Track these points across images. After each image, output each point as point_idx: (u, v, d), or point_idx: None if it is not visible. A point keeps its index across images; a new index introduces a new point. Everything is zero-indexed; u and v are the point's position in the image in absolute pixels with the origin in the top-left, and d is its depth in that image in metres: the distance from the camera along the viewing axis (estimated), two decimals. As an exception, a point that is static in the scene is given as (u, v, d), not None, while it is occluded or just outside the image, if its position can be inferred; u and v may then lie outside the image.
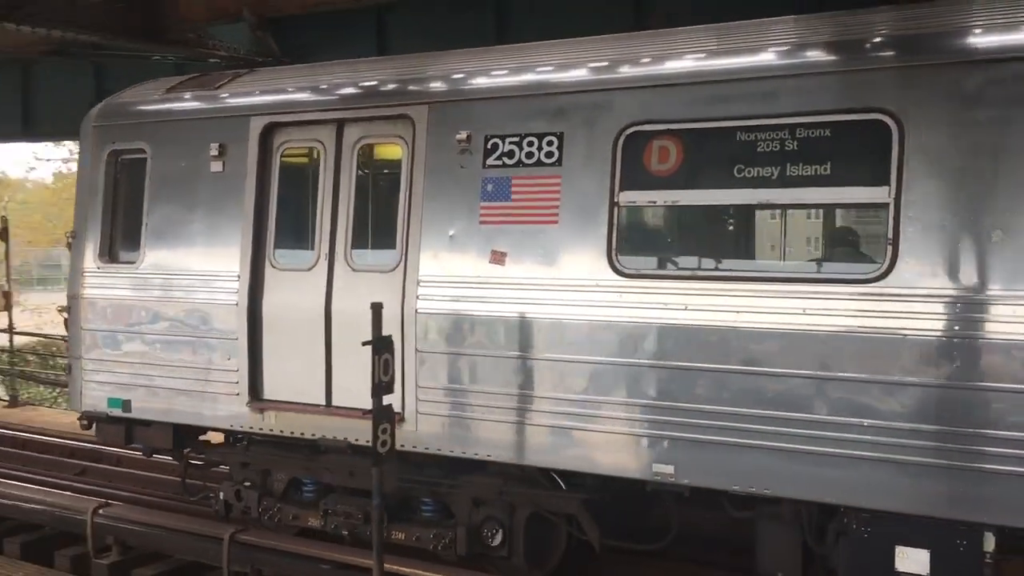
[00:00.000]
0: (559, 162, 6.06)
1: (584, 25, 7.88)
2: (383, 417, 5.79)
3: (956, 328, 4.94)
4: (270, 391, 7.07)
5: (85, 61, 12.89)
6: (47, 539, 8.31)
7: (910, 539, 5.15)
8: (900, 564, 5.15)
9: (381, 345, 5.77)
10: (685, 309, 5.62)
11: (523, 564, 6.53)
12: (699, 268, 5.89)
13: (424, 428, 6.42)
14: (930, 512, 5.02)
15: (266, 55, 10.98)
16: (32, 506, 8.41)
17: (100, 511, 7.87)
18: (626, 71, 6.01)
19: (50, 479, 9.46)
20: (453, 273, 6.35)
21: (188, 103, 7.67)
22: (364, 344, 5.76)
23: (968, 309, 4.91)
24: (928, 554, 5.10)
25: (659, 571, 6.99)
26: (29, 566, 7.90)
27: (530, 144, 6.16)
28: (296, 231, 7.17)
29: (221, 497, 7.51)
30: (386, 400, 5.80)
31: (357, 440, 6.60)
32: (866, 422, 5.11)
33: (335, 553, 6.98)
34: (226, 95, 7.53)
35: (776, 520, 5.71)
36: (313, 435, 6.89)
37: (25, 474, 9.63)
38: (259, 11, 10.04)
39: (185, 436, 7.75)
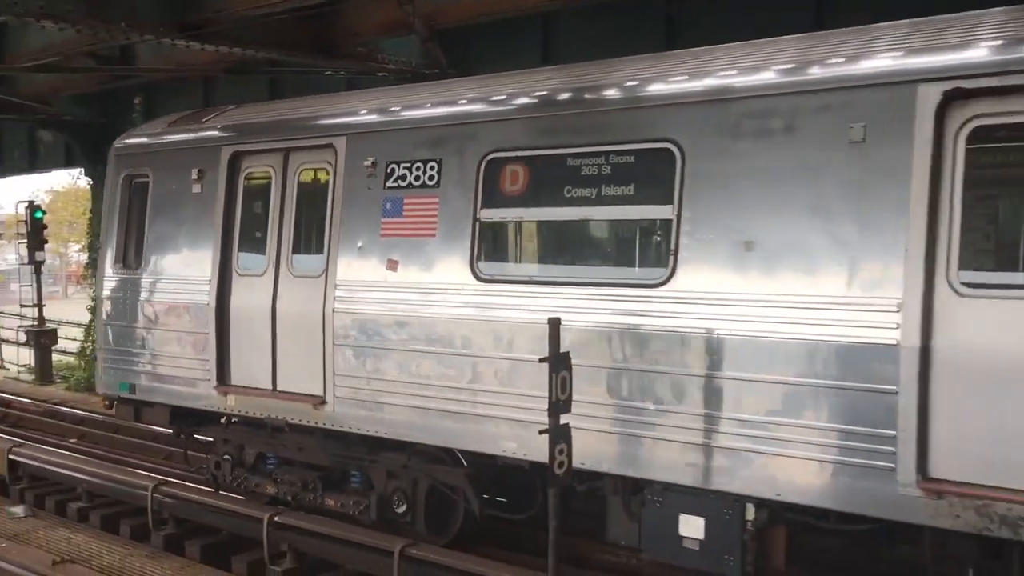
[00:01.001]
0: (438, 184, 7.13)
1: (762, 23, 7.55)
2: (559, 437, 5.56)
3: (717, 327, 5.80)
4: (233, 377, 8.38)
5: (262, 77, 13.36)
6: (225, 544, 8.52)
7: (690, 508, 6.04)
8: (683, 530, 6.08)
9: (559, 363, 5.56)
10: (527, 309, 6.59)
11: (423, 530, 7.61)
12: (537, 275, 6.79)
13: (340, 409, 7.58)
14: (702, 484, 5.87)
15: (433, 67, 11.02)
16: (211, 512, 8.65)
17: (276, 518, 7.99)
18: (485, 107, 7.07)
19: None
20: (360, 278, 7.49)
21: (178, 135, 9.17)
22: (540, 361, 5.57)
23: (726, 311, 5.77)
24: (703, 521, 6.01)
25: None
26: (208, 569, 8.14)
27: (418, 169, 7.26)
28: (255, 242, 8.37)
29: (208, 467, 9.01)
30: (562, 420, 5.59)
31: (294, 419, 7.94)
32: (652, 406, 6.03)
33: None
34: (206, 129, 8.92)
35: (612, 493, 6.61)
36: (262, 415, 8.19)
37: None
38: (429, 23, 10.07)
39: (183, 415, 9.10)
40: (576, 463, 5.74)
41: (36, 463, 10.48)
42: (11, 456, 10.55)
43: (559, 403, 5.51)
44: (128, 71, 13.42)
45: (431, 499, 7.63)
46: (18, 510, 9.63)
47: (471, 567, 6.89)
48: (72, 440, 12.85)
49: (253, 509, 8.33)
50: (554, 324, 5.56)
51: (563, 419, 5.56)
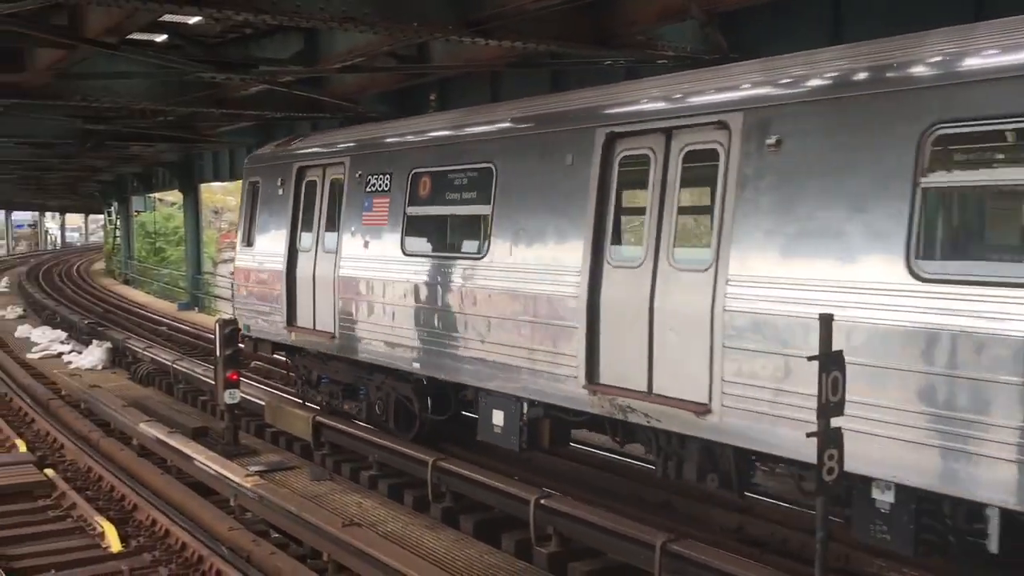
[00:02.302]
0: (388, 190, 10.33)
1: None
2: (830, 442, 5.20)
3: (516, 286, 8.50)
4: (299, 320, 11.87)
5: (544, 70, 13.66)
6: (497, 520, 8.85)
7: (498, 405, 8.89)
8: (494, 420, 8.93)
9: (830, 362, 5.19)
10: (428, 274, 9.64)
11: (394, 428, 10.83)
12: (435, 251, 9.87)
13: (342, 342, 10.89)
14: (504, 391, 8.71)
15: (714, 52, 10.71)
16: (483, 489, 9.02)
17: (542, 501, 8.18)
18: (413, 137, 10.47)
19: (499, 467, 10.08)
20: (349, 253, 10.84)
21: (274, 152, 13.20)
22: (810, 359, 5.24)
23: (510, 273, 8.60)
24: (502, 414, 8.83)
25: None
26: (480, 544, 8.49)
27: (379, 179, 10.50)
28: (306, 223, 11.98)
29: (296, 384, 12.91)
30: (834, 423, 5.22)
31: (322, 350, 11.52)
32: (481, 339, 8.87)
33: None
34: (288, 150, 12.84)
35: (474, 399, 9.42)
36: (310, 347, 11.90)
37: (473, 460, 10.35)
38: (708, 7, 9.79)
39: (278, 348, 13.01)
40: (467, 380, 9.16)
41: (335, 432, 11.47)
42: (316, 420, 11.64)
43: (830, 405, 5.15)
44: (423, 69, 14.24)
45: (398, 407, 10.75)
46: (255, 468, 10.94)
47: (730, 567, 6.66)
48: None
49: (522, 490, 8.57)
50: (826, 321, 5.20)
51: (835, 423, 5.20)
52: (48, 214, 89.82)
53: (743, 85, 6.89)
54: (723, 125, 6.84)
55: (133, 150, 28.47)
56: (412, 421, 10.63)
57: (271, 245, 12.46)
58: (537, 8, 9.72)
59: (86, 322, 23.63)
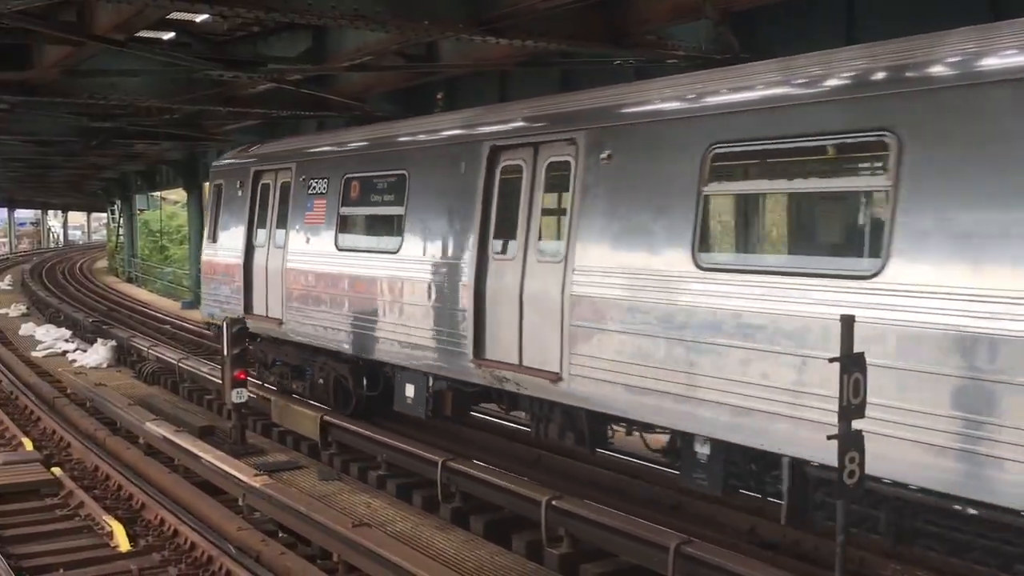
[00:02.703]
0: (326, 193, 11.85)
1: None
2: (851, 444, 5.16)
3: (423, 276, 10.01)
4: (254, 310, 13.46)
5: (554, 69, 13.62)
6: (507, 521, 8.80)
7: (409, 380, 10.38)
8: (407, 392, 10.42)
9: (851, 364, 5.15)
10: (357, 267, 11.22)
11: (334, 404, 12.14)
12: (363, 247, 11.43)
13: (289, 327, 12.51)
14: (414, 367, 10.26)
15: (725, 52, 10.66)
16: (494, 490, 8.97)
17: (553, 502, 8.13)
18: (346, 147, 12.19)
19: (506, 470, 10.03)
20: (295, 248, 12.44)
21: (234, 158, 15.17)
22: (831, 361, 5.20)
23: (411, 264, 10.20)
24: (413, 387, 10.31)
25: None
26: (491, 545, 8.45)
27: (317, 183, 12.08)
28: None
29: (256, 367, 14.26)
30: (855, 425, 5.18)
31: (270, 335, 13.24)
32: (396, 323, 10.40)
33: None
34: (245, 155, 14.66)
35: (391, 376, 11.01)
36: (261, 331, 13.35)
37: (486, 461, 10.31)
38: (721, 6, 9.73)
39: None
40: (386, 359, 10.79)
41: (343, 431, 11.42)
42: (324, 419, 11.61)
43: (850, 407, 5.11)
44: (432, 68, 14.19)
45: (337, 384, 12.12)
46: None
47: (744, 569, 6.62)
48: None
49: (532, 491, 8.52)
50: (847, 322, 5.16)
51: (855, 425, 5.16)
52: (51, 212, 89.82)
53: (587, 110, 8.46)
54: (573, 142, 8.31)
55: (137, 148, 28.42)
56: (349, 398, 12.01)
57: (231, 241, 14.17)
58: (548, 7, 9.66)
59: (90, 320, 23.59)
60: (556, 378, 8.19)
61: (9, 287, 39.21)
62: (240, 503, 9.70)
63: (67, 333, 22.78)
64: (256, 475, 9.90)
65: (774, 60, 7.19)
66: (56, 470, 10.99)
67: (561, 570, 7.86)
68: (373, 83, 15.94)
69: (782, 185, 6.90)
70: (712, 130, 7.05)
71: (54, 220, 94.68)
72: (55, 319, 26.39)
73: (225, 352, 12.04)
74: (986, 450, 5.37)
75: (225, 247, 14.34)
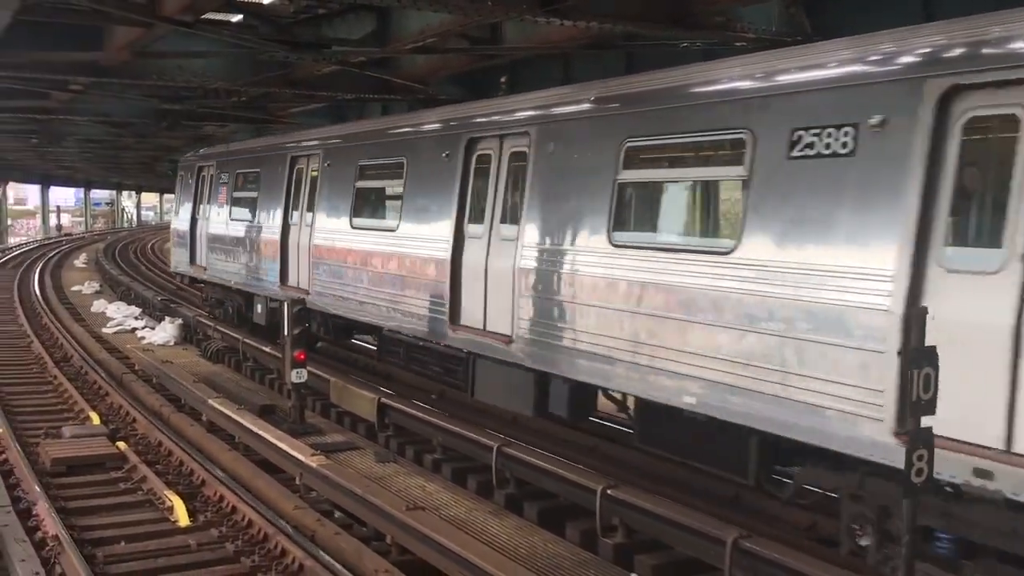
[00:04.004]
0: (225, 183, 17.74)
1: None
2: (921, 441, 4.94)
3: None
4: (202, 262, 19.37)
5: (618, 52, 13.40)
6: (561, 509, 8.72)
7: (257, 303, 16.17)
8: (256, 310, 16.53)
9: (921, 358, 4.92)
10: (251, 230, 16.23)
11: (236, 321, 17.56)
12: (258, 220, 16.10)
13: (211, 273, 18.88)
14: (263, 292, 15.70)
15: (796, 34, 10.35)
16: (548, 477, 8.88)
17: (608, 491, 8.01)
18: (228, 148, 19.32)
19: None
20: (211, 217, 18.61)
21: (189, 156, 21.48)
22: (900, 355, 4.98)
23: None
24: (260, 306, 16.34)
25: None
26: (544, 532, 8.36)
27: (247, 175, 17.02)
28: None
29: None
30: (925, 423, 4.95)
31: (203, 279, 19.61)
32: (252, 266, 16.33)
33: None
34: (196, 155, 20.74)
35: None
36: (198, 276, 20.00)
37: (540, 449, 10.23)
38: (792, -15, 9.46)
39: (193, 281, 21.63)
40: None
41: (400, 414, 11.45)
42: (381, 401, 11.64)
43: (920, 403, 4.89)
44: (496, 50, 14.09)
45: (236, 311, 17.54)
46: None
47: (805, 567, 6.42)
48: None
49: (587, 479, 8.42)
50: (919, 315, 4.93)
51: (925, 422, 4.94)
52: (125, 193, 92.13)
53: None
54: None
55: (207, 130, 28.89)
56: (244, 320, 17.33)
57: (185, 214, 20.44)
58: (614, -14, 9.48)
59: (159, 299, 24.09)
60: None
61: (84, 265, 40.30)
62: (297, 482, 9.78)
63: (137, 311, 23.29)
64: (313, 455, 9.97)
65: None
66: (121, 444, 11.23)
67: (615, 560, 7.74)
68: (437, 66, 15.89)
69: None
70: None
71: (128, 201, 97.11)
72: (126, 297, 27.02)
73: (286, 332, 12.14)
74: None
75: (182, 218, 20.86)
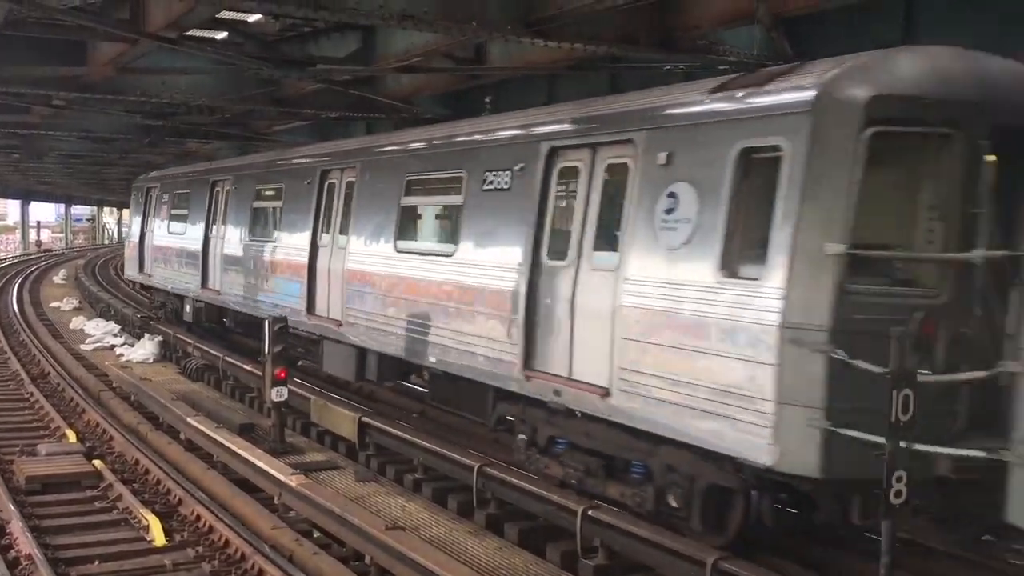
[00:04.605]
0: (188, 206, 19.35)
1: None
2: (899, 462, 4.96)
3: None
4: (150, 271, 22.61)
5: (602, 73, 13.48)
6: (542, 529, 8.66)
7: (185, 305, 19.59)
8: (185, 310, 19.75)
9: (902, 379, 4.95)
10: (182, 243, 19.22)
11: (172, 319, 20.85)
12: (187, 234, 18.92)
13: (154, 280, 21.85)
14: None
15: (778, 58, 10.43)
16: (529, 497, 8.83)
17: (589, 512, 7.98)
18: (167, 172, 22.98)
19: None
20: (157, 232, 21.57)
21: (137, 180, 24.11)
22: (883, 375, 5.00)
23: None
24: (189, 307, 19.67)
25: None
26: (524, 553, 8.31)
27: (180, 196, 20.26)
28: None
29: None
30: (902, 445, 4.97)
31: (147, 285, 23.50)
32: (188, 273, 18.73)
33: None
34: (143, 179, 23.65)
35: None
36: (143, 282, 23.73)
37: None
38: (775, 10, 9.53)
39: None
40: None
41: (380, 433, 11.38)
42: (362, 420, 11.58)
43: (899, 425, 4.91)
44: (481, 71, 14.16)
45: (174, 312, 20.44)
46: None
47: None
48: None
49: (568, 500, 8.38)
50: (900, 339, 4.96)
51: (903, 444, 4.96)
52: (106, 209, 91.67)
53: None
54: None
55: (190, 147, 28.84)
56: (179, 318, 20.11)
57: (136, 228, 23.37)
58: (597, 9, 9.55)
59: (139, 315, 23.94)
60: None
61: (63, 281, 39.99)
62: (276, 501, 9.69)
63: (116, 327, 23.10)
64: (292, 474, 9.88)
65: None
66: (97, 462, 11.09)
67: (596, 582, 7.72)
68: (422, 85, 15.95)
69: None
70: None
71: (109, 217, 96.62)
72: (105, 314, 26.82)
73: (266, 350, 12.07)
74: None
75: (134, 233, 24.04)
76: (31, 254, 63.43)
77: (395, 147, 12.11)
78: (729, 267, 6.53)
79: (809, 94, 6.23)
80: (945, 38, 7.74)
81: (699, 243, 6.78)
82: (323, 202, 13.15)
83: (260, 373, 13.45)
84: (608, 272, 7.70)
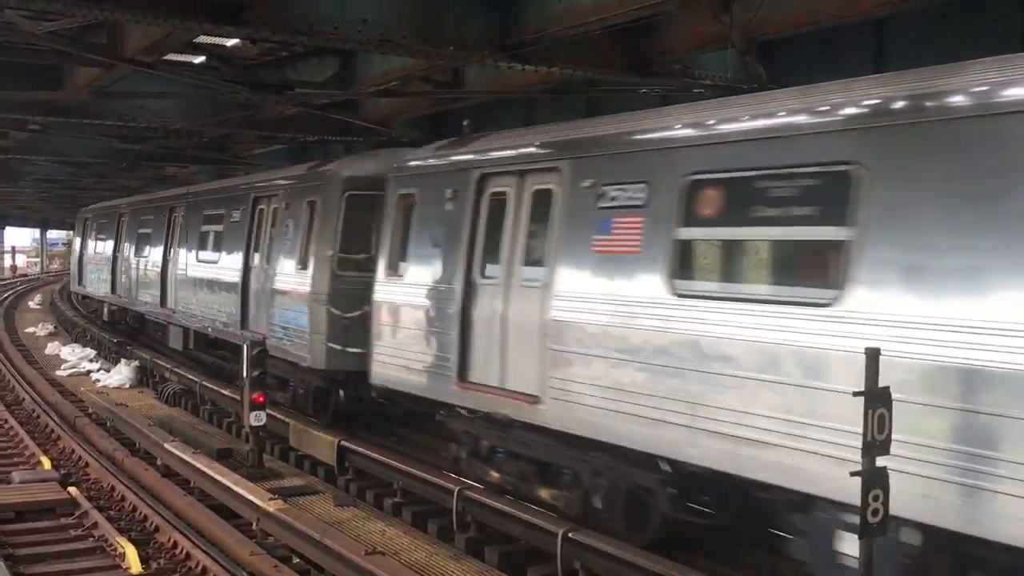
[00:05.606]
0: (107, 234, 26.31)
1: None
2: (875, 482, 4.99)
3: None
4: (82, 283, 30.02)
5: (579, 96, 13.59)
6: (522, 553, 8.64)
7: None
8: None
9: (876, 398, 5.00)
10: (103, 261, 26.16)
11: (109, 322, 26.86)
12: (106, 254, 25.54)
13: (121, 298, 24.28)
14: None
15: (752, 82, 10.58)
16: (509, 520, 8.81)
17: (569, 535, 7.97)
18: (97, 206, 29.80)
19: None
20: (125, 255, 24.25)
21: (83, 213, 30.94)
22: (855, 395, 5.05)
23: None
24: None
25: None
26: (505, 577, 8.29)
27: (102, 224, 27.35)
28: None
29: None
30: (879, 462, 5.02)
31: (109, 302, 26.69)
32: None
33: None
34: (85, 210, 31.21)
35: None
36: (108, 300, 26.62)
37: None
38: (748, 35, 9.67)
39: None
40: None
41: (360, 457, 11.32)
42: (341, 444, 11.52)
43: (874, 444, 4.95)
44: (458, 94, 14.23)
45: (136, 323, 24.78)
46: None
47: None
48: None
49: (548, 522, 8.37)
50: (872, 356, 5.01)
51: (880, 462, 5.00)
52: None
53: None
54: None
55: (167, 171, 28.75)
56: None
57: (77, 248, 29.70)
58: (573, 34, 9.63)
59: (115, 340, 23.74)
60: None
61: (38, 306, 39.61)
62: (254, 527, 9.61)
63: (92, 353, 22.91)
64: (271, 499, 9.81)
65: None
66: (72, 490, 10.96)
67: (576, 605, 7.71)
68: (400, 109, 16.01)
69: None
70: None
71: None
72: (81, 339, 26.58)
73: (245, 374, 12.00)
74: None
75: (91, 256, 28.46)
76: (6, 279, 62.79)
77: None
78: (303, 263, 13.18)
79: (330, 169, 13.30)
80: (914, 60, 7.91)
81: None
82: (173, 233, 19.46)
83: (238, 397, 13.36)
84: None
